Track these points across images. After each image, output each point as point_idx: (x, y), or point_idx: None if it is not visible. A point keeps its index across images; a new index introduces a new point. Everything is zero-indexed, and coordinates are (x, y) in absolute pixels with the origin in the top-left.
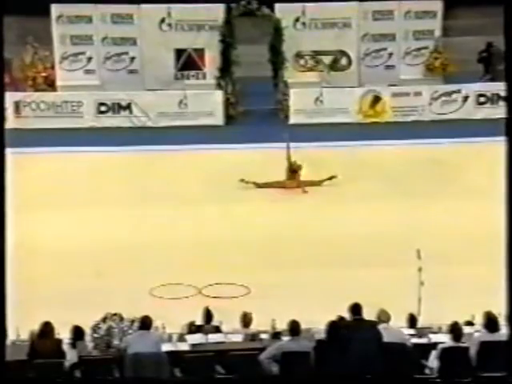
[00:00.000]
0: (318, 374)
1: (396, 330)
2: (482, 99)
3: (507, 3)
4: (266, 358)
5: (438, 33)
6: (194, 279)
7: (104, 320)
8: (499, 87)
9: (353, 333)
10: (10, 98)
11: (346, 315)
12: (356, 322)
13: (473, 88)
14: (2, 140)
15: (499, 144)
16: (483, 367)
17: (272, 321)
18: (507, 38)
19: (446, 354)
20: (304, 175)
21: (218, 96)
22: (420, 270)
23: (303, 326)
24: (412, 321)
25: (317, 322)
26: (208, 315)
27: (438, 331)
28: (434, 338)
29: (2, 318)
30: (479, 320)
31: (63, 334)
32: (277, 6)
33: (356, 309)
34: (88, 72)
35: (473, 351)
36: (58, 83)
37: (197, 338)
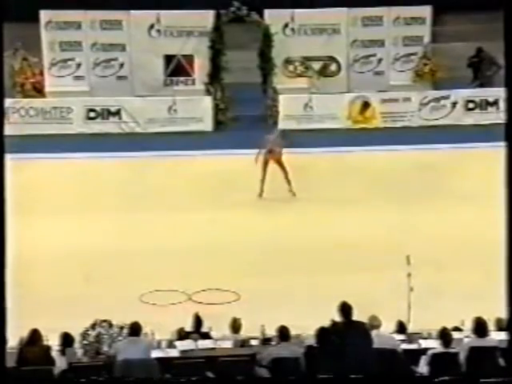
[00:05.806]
0: (308, 379)
1: (387, 335)
2: (471, 105)
3: (507, 7)
4: (257, 364)
5: (427, 39)
6: (184, 285)
7: (93, 326)
8: (488, 93)
9: (343, 338)
10: None
11: (336, 317)
12: (347, 327)
13: (462, 94)
14: (2, 145)
15: (488, 149)
16: (473, 372)
17: (261, 327)
18: (507, 42)
19: (436, 360)
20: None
21: (207, 102)
22: (409, 275)
23: (293, 332)
24: (401, 328)
25: (306, 328)
26: (198, 321)
27: (428, 337)
28: (423, 343)
29: (2, 324)
30: (468, 325)
31: (52, 340)
32: (266, 12)
33: (345, 309)
34: (77, 78)
35: (462, 356)
36: (47, 89)
37: (186, 344)
